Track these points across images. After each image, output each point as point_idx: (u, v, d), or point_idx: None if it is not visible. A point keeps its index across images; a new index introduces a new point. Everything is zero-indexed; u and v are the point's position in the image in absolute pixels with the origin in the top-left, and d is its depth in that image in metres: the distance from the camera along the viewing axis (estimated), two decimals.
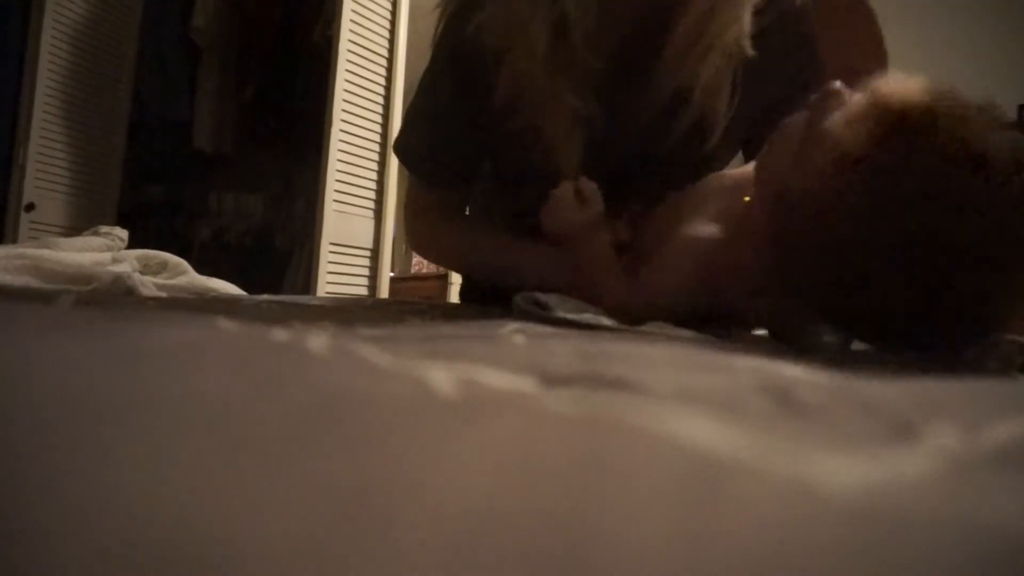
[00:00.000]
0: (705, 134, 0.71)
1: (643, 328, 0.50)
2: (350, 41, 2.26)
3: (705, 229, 0.60)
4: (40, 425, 0.12)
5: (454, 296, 3.15)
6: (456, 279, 3.11)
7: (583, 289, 0.61)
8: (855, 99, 0.48)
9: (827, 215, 0.44)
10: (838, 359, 0.39)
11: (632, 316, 0.53)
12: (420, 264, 4.03)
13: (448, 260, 0.85)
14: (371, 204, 2.39)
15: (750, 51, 0.67)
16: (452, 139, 0.78)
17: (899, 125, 0.43)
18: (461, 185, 0.82)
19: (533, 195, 0.71)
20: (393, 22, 2.43)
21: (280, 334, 0.23)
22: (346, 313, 0.55)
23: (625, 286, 0.62)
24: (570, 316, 0.51)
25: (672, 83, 0.69)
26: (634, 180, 0.76)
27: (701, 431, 0.14)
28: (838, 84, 0.50)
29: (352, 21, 2.26)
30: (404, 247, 4.60)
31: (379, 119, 2.39)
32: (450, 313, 0.62)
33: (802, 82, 0.76)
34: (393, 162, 2.43)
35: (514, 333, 0.39)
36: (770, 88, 0.73)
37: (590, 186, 0.65)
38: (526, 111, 0.69)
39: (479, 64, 0.70)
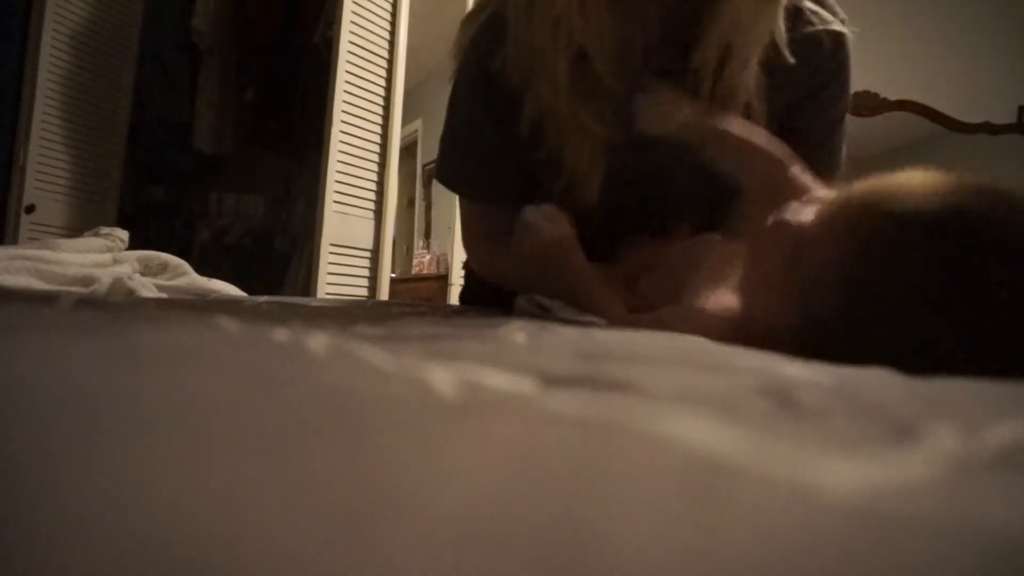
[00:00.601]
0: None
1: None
2: (350, 43, 2.26)
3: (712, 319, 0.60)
4: (40, 426, 0.12)
5: (454, 297, 3.15)
6: (456, 280, 3.11)
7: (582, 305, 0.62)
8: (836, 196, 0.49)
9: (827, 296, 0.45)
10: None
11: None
12: (420, 265, 4.04)
13: (506, 282, 0.88)
14: (371, 205, 2.38)
15: (789, 59, 0.69)
16: (489, 158, 0.81)
17: (874, 204, 0.45)
18: (506, 200, 0.84)
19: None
20: (393, 24, 2.43)
21: (280, 334, 0.23)
22: (346, 314, 0.55)
23: (619, 302, 0.62)
24: (572, 317, 0.51)
25: (699, 95, 0.70)
26: (663, 196, 0.77)
27: (701, 433, 0.14)
28: (820, 191, 0.51)
29: (352, 23, 2.26)
30: (404, 247, 4.60)
31: (379, 120, 2.39)
32: (450, 314, 0.62)
33: (829, 97, 0.78)
34: (393, 163, 2.43)
35: (514, 332, 0.39)
36: (796, 93, 0.75)
37: (553, 210, 0.67)
38: (550, 140, 0.71)
39: (505, 93, 0.73)
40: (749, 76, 0.69)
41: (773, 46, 0.69)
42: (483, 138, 0.80)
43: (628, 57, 0.69)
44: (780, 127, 0.77)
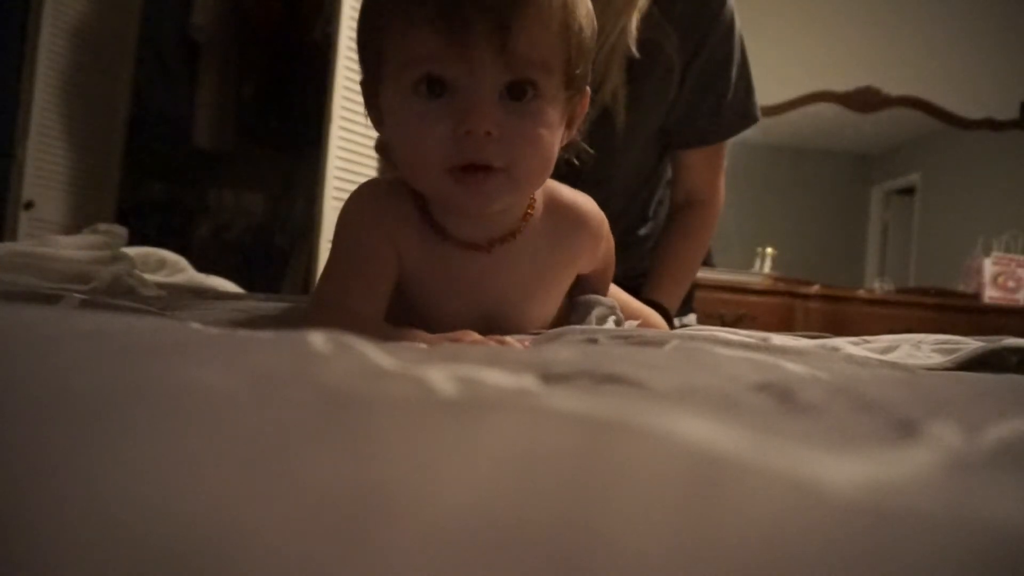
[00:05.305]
0: (611, 124, 0.81)
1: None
2: (350, 38, 2.25)
3: None
4: (36, 426, 0.12)
5: None
6: None
7: None
8: None
9: None
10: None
11: None
12: None
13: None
14: None
15: (636, 53, 0.78)
16: None
17: None
18: None
19: None
20: None
21: (280, 331, 0.23)
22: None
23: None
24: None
25: None
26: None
27: (702, 429, 0.14)
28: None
29: (352, 18, 2.25)
30: None
31: None
32: None
33: (720, 87, 0.88)
34: None
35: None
36: (688, 87, 0.85)
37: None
38: None
39: None
40: (615, 63, 0.77)
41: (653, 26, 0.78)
42: None
43: None
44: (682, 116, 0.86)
